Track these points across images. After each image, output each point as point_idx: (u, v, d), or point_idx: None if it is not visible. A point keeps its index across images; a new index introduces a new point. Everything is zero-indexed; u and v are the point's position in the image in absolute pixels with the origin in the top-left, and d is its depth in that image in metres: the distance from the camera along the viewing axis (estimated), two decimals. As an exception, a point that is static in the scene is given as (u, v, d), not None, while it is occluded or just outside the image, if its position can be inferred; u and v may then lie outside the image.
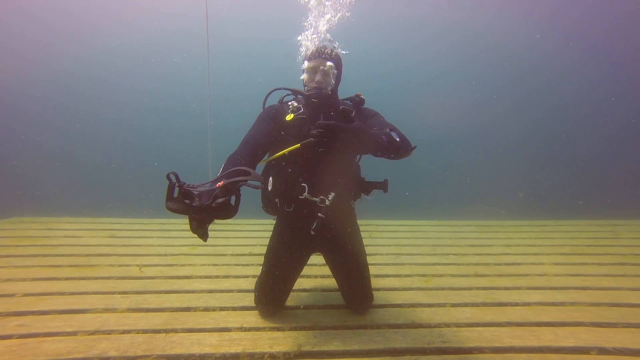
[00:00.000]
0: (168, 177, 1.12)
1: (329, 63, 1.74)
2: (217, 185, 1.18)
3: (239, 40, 7.42)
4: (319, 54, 1.76)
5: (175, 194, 1.14)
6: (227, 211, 1.16)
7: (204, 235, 1.22)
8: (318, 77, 1.74)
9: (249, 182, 1.24)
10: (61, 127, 7.15)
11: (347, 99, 1.94)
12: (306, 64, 1.78)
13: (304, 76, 1.81)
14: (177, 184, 1.13)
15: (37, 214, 4.24)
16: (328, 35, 1.95)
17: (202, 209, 1.12)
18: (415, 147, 1.67)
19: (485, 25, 7.54)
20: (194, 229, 1.20)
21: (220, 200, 1.12)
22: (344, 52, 1.90)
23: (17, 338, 1.66)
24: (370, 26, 7.53)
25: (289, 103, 1.84)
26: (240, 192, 1.23)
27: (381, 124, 1.75)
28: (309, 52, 1.81)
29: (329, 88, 1.76)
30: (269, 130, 1.75)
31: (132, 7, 7.25)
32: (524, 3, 7.40)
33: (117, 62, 7.41)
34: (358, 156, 1.93)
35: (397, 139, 1.60)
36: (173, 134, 7.54)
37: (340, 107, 1.49)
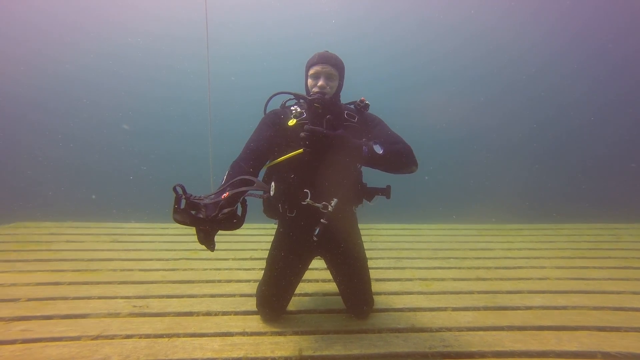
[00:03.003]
0: (175, 189, 1.13)
1: (331, 68, 1.73)
2: (223, 197, 1.19)
3: (239, 43, 7.49)
4: (322, 59, 1.74)
5: (182, 206, 1.15)
6: (233, 222, 1.17)
7: (211, 246, 1.23)
8: (321, 82, 1.72)
9: (254, 191, 1.26)
10: (63, 133, 7.20)
11: (350, 104, 1.93)
12: (309, 68, 1.77)
13: (307, 81, 1.80)
14: (183, 196, 1.14)
15: (40, 219, 4.26)
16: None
17: (208, 220, 1.13)
18: (416, 165, 1.68)
19: (487, 28, 7.58)
20: (201, 240, 1.22)
21: (226, 210, 1.14)
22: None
23: (20, 343, 1.67)
24: (373, 27, 7.58)
25: (292, 108, 1.84)
26: (247, 203, 1.25)
27: (382, 135, 1.74)
28: (312, 57, 1.79)
29: (332, 92, 1.75)
30: (272, 135, 1.75)
31: (132, 11, 7.33)
32: (527, 5, 7.44)
33: (118, 67, 7.48)
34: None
35: (380, 152, 1.57)
36: (174, 138, 7.59)
37: (328, 116, 1.53)
